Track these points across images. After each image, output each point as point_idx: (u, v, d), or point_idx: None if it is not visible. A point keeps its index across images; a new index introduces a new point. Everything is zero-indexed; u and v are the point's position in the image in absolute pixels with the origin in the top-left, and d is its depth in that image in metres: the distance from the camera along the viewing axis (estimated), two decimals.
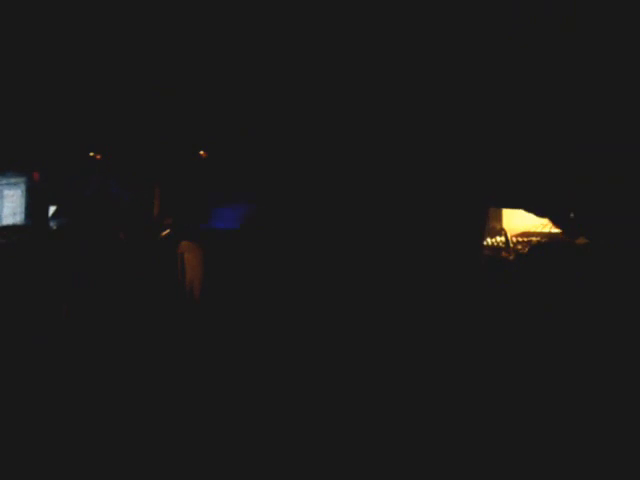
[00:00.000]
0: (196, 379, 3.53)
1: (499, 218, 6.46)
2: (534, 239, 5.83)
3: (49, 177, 6.56)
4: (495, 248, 5.84)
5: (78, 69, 5.73)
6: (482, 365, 3.53)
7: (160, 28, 5.37)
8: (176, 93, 5.78)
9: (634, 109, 4.49)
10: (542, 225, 6.51)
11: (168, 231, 5.35)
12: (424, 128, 5.05)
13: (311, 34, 5.17)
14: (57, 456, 2.58)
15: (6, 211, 6.27)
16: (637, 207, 4.21)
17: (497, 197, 5.11)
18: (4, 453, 2.58)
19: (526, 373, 3.35)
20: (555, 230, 6.13)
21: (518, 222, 6.23)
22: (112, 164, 6.64)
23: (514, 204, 5.32)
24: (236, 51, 5.46)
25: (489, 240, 6.04)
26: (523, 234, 6.12)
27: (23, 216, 6.18)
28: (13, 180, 6.25)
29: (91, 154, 6.66)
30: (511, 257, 5.41)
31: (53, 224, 4.88)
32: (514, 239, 5.94)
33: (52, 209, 5.27)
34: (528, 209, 4.89)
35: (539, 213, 4.65)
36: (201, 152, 6.25)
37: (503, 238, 5.92)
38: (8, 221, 6.18)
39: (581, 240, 4.24)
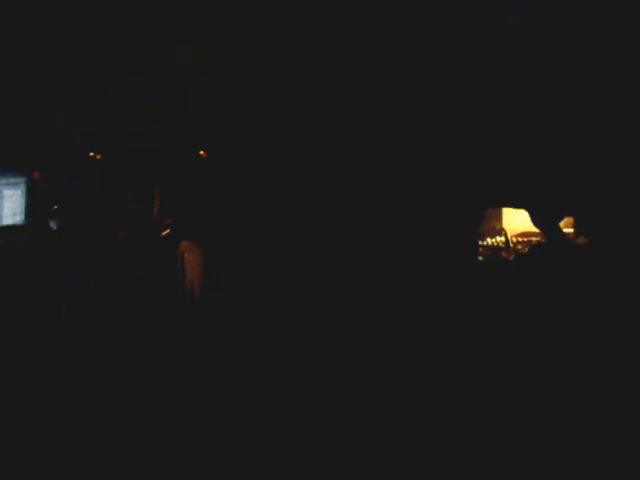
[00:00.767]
0: (196, 378, 3.53)
1: (499, 218, 6.46)
2: (534, 239, 5.82)
3: (49, 177, 6.56)
4: (495, 248, 5.84)
5: (78, 70, 5.73)
6: (482, 364, 3.53)
7: (160, 29, 5.37)
8: (176, 93, 5.78)
9: (634, 109, 4.49)
10: None
11: (168, 231, 5.35)
12: (424, 129, 5.05)
13: (311, 34, 5.17)
14: (57, 456, 2.58)
15: (6, 211, 6.26)
16: (637, 207, 4.21)
17: (496, 197, 5.12)
18: (4, 453, 2.58)
19: (526, 372, 3.35)
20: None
21: (518, 222, 6.23)
22: (112, 164, 6.63)
23: (513, 203, 5.32)
24: (236, 51, 5.46)
25: (489, 240, 6.04)
26: (523, 234, 6.12)
27: (23, 216, 6.18)
28: (13, 180, 6.24)
29: (91, 154, 6.66)
30: (511, 257, 5.41)
31: (53, 224, 4.88)
32: (514, 239, 5.94)
33: (52, 209, 5.27)
34: (527, 209, 4.89)
35: (535, 214, 4.64)
36: (201, 152, 6.25)
37: (503, 238, 5.92)
38: (8, 221, 6.18)
39: (581, 240, 4.24)
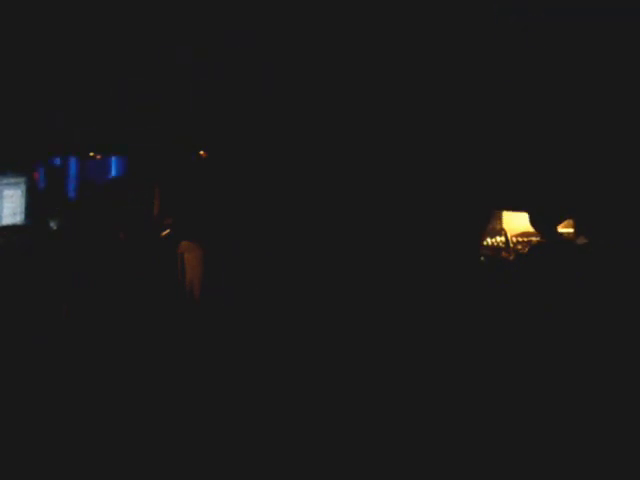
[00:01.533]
0: (196, 378, 3.53)
1: (499, 218, 6.45)
2: (534, 239, 5.81)
3: (49, 177, 6.56)
4: (495, 248, 5.83)
5: (78, 70, 5.73)
6: (482, 365, 3.53)
7: (160, 29, 5.37)
8: (176, 93, 5.78)
9: (634, 109, 4.49)
10: None
11: (168, 231, 5.35)
12: (423, 128, 5.05)
13: (311, 34, 5.16)
14: (57, 456, 2.58)
15: (6, 211, 6.26)
16: (637, 207, 4.21)
17: (499, 199, 5.11)
18: (4, 453, 2.58)
19: (526, 373, 3.35)
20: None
21: (518, 222, 6.22)
22: (112, 164, 6.63)
23: (512, 206, 5.32)
24: (236, 51, 5.46)
25: (489, 240, 6.03)
26: (523, 234, 6.11)
27: (23, 216, 6.18)
28: (13, 180, 6.24)
29: (91, 154, 6.66)
30: (511, 257, 5.40)
31: (53, 224, 4.87)
32: (514, 239, 5.93)
33: (52, 209, 5.27)
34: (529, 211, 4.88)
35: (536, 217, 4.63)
36: (201, 152, 6.25)
37: (503, 238, 5.91)
38: (8, 221, 6.17)
39: (581, 240, 4.24)
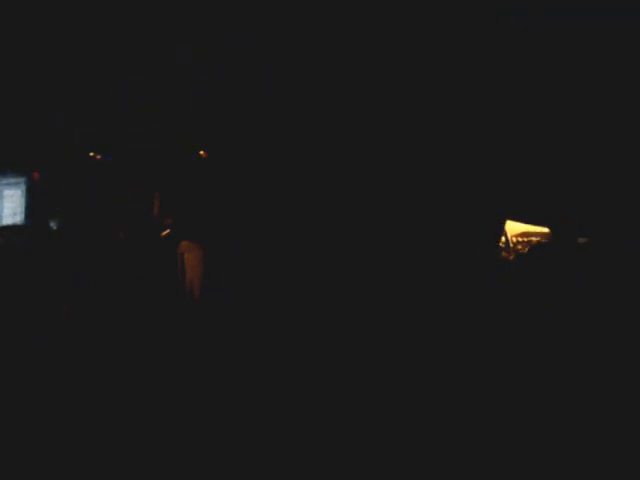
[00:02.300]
0: (196, 378, 3.53)
1: None
2: (534, 239, 5.82)
3: (49, 177, 6.57)
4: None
5: (78, 70, 5.73)
6: (483, 363, 3.53)
7: (160, 29, 5.37)
8: (176, 93, 5.78)
9: (634, 109, 4.49)
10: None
11: (168, 231, 5.35)
12: (421, 128, 5.05)
13: (310, 34, 5.16)
14: (57, 455, 2.58)
15: (6, 211, 6.27)
16: (637, 207, 4.21)
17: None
18: (4, 452, 2.58)
19: (527, 371, 3.35)
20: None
21: (518, 222, 6.23)
22: (112, 164, 6.64)
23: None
24: (236, 51, 5.46)
25: None
26: (523, 234, 6.12)
27: (23, 216, 6.18)
28: (13, 180, 6.25)
29: (91, 154, 6.66)
30: (511, 257, 5.41)
31: (53, 224, 4.88)
32: (514, 239, 5.94)
33: (52, 209, 5.27)
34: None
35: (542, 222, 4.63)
36: (201, 152, 6.25)
37: (503, 238, 5.92)
38: (8, 221, 6.18)
39: (581, 240, 4.24)
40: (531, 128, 4.85)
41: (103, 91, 5.82)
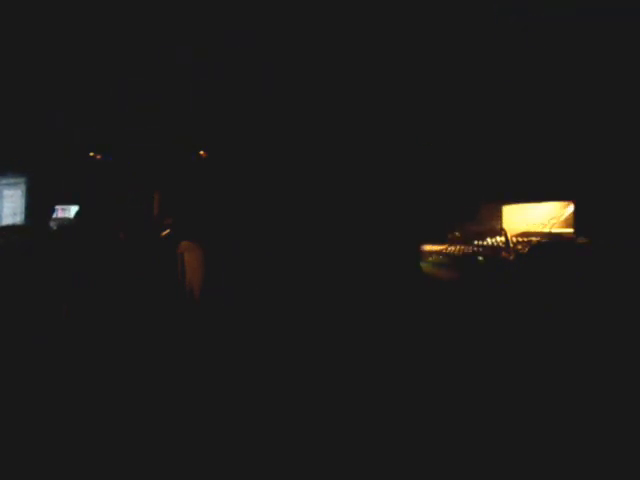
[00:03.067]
0: (196, 377, 3.53)
1: (499, 218, 6.45)
2: (534, 239, 5.81)
3: (49, 177, 6.57)
4: (495, 248, 5.83)
5: (78, 70, 5.73)
6: (483, 363, 3.53)
7: (160, 29, 5.37)
8: (176, 93, 5.78)
9: (634, 109, 4.49)
10: (542, 225, 6.50)
11: (168, 231, 5.34)
12: (421, 128, 5.05)
13: (310, 34, 5.16)
14: (57, 455, 2.58)
15: (6, 211, 6.27)
16: (637, 207, 4.21)
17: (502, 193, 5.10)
18: (4, 452, 2.58)
19: (526, 371, 3.35)
20: (555, 230, 6.12)
21: (518, 222, 6.23)
22: (112, 164, 6.64)
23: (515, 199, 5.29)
24: (236, 51, 5.46)
25: (489, 240, 6.04)
26: (523, 234, 6.11)
27: (23, 216, 6.19)
28: (13, 180, 6.25)
29: (91, 154, 6.66)
30: (511, 257, 5.40)
31: (53, 224, 4.88)
32: (514, 239, 5.93)
33: (52, 209, 5.27)
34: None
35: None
36: (201, 152, 6.25)
37: (503, 238, 5.92)
38: (8, 221, 6.18)
39: (581, 240, 4.25)
40: (531, 128, 4.86)
41: (103, 91, 5.83)
